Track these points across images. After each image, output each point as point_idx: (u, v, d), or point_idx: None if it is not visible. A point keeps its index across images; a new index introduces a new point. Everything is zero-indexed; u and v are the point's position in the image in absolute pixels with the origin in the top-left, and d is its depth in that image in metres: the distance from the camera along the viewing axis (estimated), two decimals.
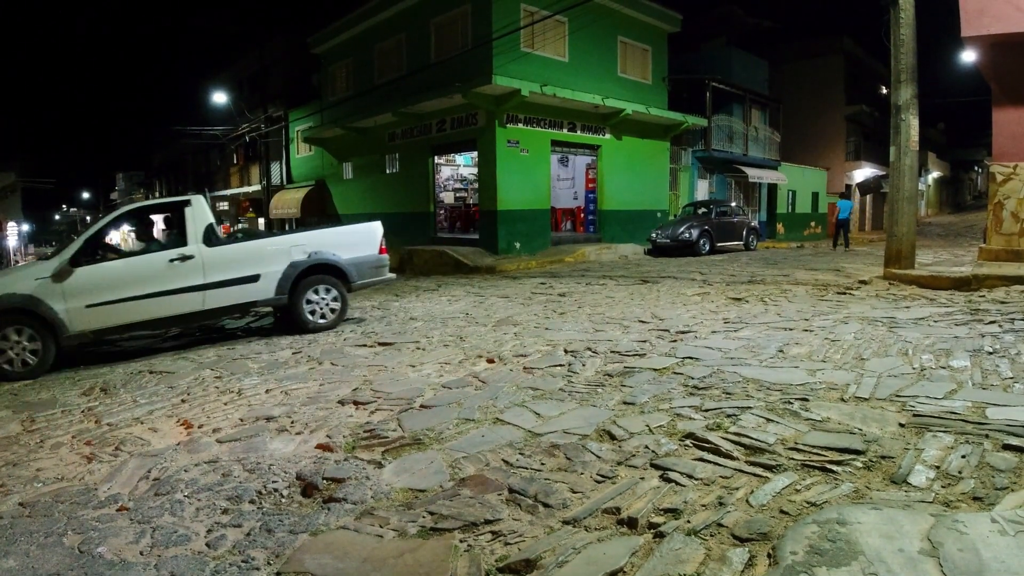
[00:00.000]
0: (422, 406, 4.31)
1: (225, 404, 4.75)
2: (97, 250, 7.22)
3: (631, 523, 2.50)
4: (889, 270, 9.69)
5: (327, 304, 8.13)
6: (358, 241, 8.53)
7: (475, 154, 19.46)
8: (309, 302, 7.98)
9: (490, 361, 5.57)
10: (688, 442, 3.29)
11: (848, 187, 29.58)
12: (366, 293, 12.54)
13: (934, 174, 53.09)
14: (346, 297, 8.31)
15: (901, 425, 3.31)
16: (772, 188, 29.68)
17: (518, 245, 18.47)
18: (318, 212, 26.80)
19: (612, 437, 3.45)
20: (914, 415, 3.43)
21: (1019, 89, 10.07)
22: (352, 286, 8.32)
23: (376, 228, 8.77)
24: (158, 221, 8.94)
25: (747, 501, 2.60)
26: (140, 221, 8.38)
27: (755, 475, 2.84)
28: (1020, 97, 10.08)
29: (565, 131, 19.55)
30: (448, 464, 3.26)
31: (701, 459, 3.07)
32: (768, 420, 3.50)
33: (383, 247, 8.71)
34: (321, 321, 8.05)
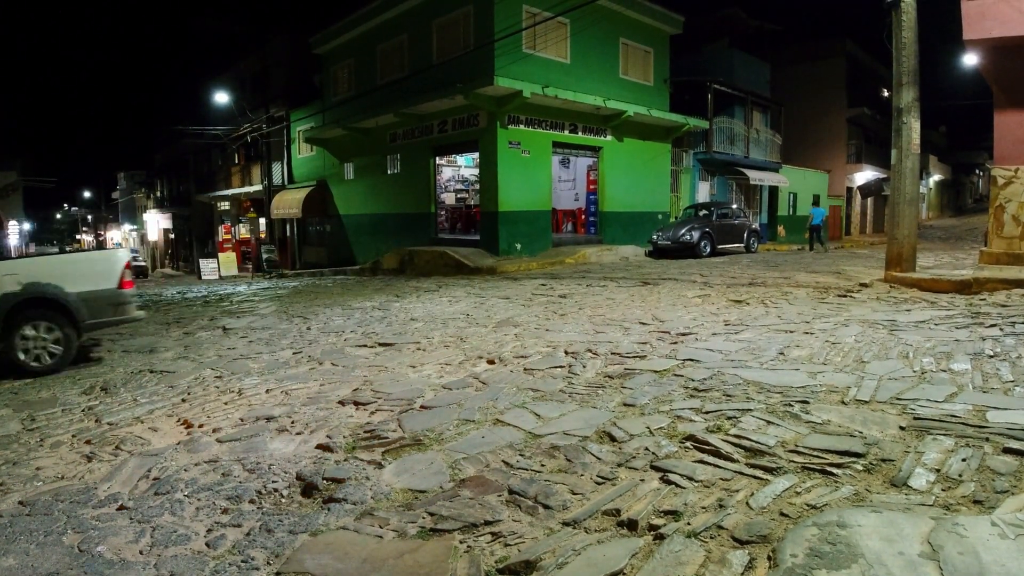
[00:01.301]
0: (422, 407, 4.31)
1: (225, 404, 4.75)
2: None
3: (631, 525, 2.49)
4: (890, 273, 9.68)
5: (45, 345, 6.83)
6: (92, 272, 7.24)
7: (476, 155, 19.48)
8: (24, 341, 6.72)
9: (490, 362, 5.57)
10: (688, 444, 3.29)
11: (818, 197, 29.74)
12: (366, 294, 12.53)
13: (935, 177, 53.12)
14: (72, 338, 6.98)
15: (901, 428, 3.31)
16: (773, 190, 29.70)
17: (519, 246, 18.48)
18: (319, 212, 26.83)
19: (612, 439, 3.44)
20: (915, 418, 3.43)
21: (1021, 92, 10.07)
22: (81, 325, 7.01)
23: (117, 257, 7.52)
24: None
25: (747, 503, 2.59)
26: None
27: (755, 477, 2.84)
28: (1022, 100, 10.08)
29: (566, 132, 19.57)
30: (448, 465, 3.26)
31: (701, 461, 3.07)
32: (768, 422, 3.50)
33: (126, 280, 7.36)
34: (35, 364, 6.73)
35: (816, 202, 26.66)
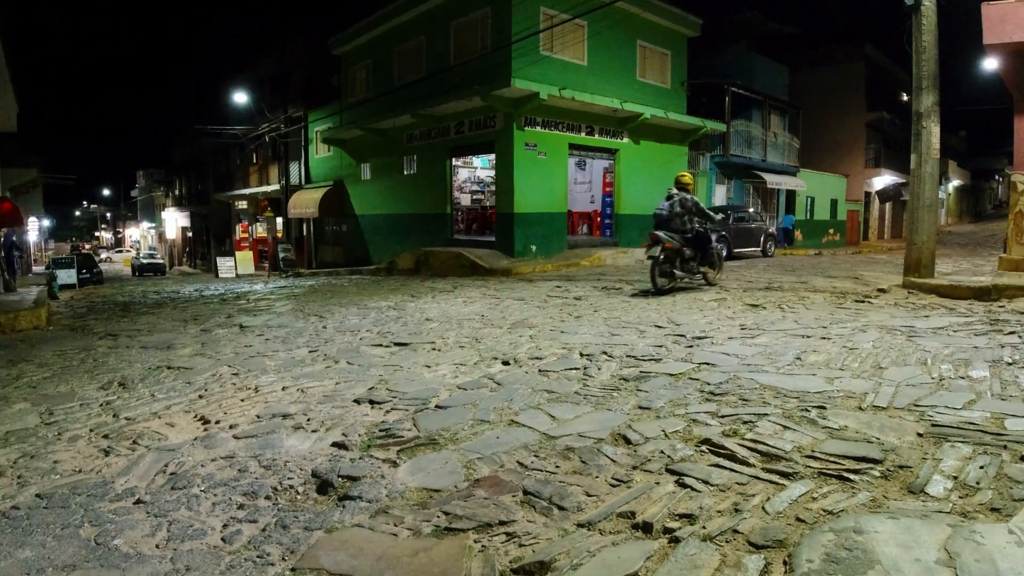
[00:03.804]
0: (437, 406, 4.31)
1: (242, 400, 4.78)
2: None
3: (646, 527, 2.49)
4: (908, 279, 9.61)
5: None
6: None
7: (492, 156, 19.51)
8: None
9: (505, 363, 5.57)
10: (704, 448, 3.28)
11: (791, 202, 30.54)
12: (382, 293, 12.58)
13: (954, 182, 52.70)
14: None
15: (919, 435, 3.28)
16: (790, 194, 29.54)
17: (534, 248, 18.48)
18: (336, 212, 26.95)
19: (627, 441, 3.44)
20: (932, 425, 3.40)
21: None
22: None
23: None
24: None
25: (763, 508, 2.58)
26: None
27: (771, 482, 2.83)
28: None
29: (583, 134, 19.56)
30: (463, 465, 3.26)
31: (717, 465, 3.06)
32: (785, 427, 3.48)
33: None
34: None
35: (789, 211, 28.75)
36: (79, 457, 3.69)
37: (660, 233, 10.25)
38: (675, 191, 10.62)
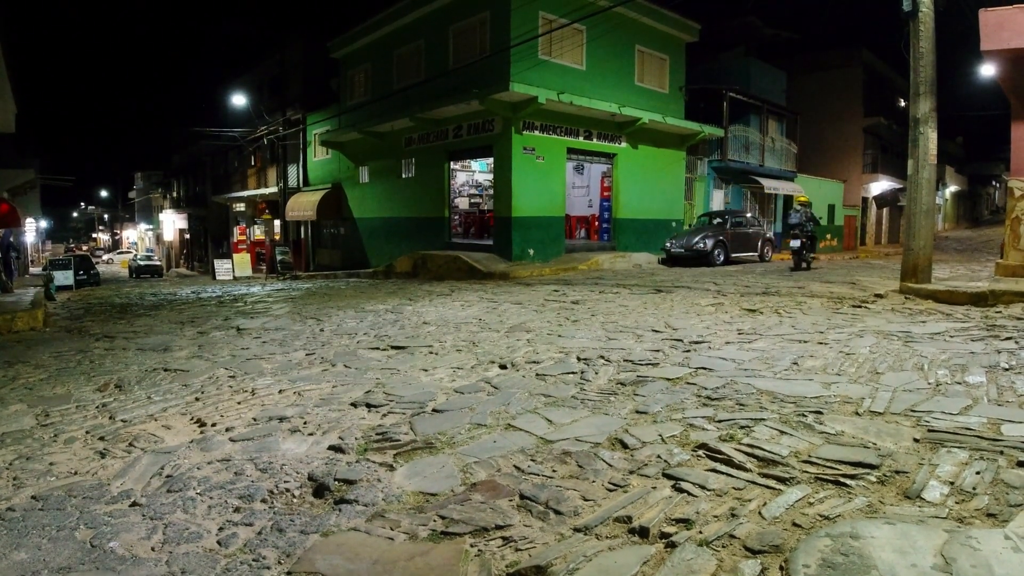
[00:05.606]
0: (434, 410, 4.31)
1: (238, 403, 4.77)
2: None
3: (643, 532, 2.49)
4: (905, 284, 9.62)
5: None
6: None
7: (491, 160, 19.53)
8: None
9: (502, 367, 5.57)
10: (701, 453, 3.28)
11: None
12: (379, 297, 12.57)
13: (952, 188, 52.79)
14: None
15: (916, 440, 3.29)
16: (788, 199, 29.57)
17: (532, 252, 18.49)
18: (334, 215, 26.95)
19: (624, 446, 3.44)
20: (929, 430, 3.41)
21: None
22: None
23: None
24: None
25: (760, 513, 2.58)
26: None
27: (768, 487, 2.83)
28: None
29: (581, 139, 19.58)
30: (459, 469, 3.26)
31: (714, 470, 3.06)
32: (782, 432, 3.48)
33: None
34: None
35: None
36: (75, 459, 3.68)
37: (797, 231, 16.47)
38: (798, 206, 17.74)
